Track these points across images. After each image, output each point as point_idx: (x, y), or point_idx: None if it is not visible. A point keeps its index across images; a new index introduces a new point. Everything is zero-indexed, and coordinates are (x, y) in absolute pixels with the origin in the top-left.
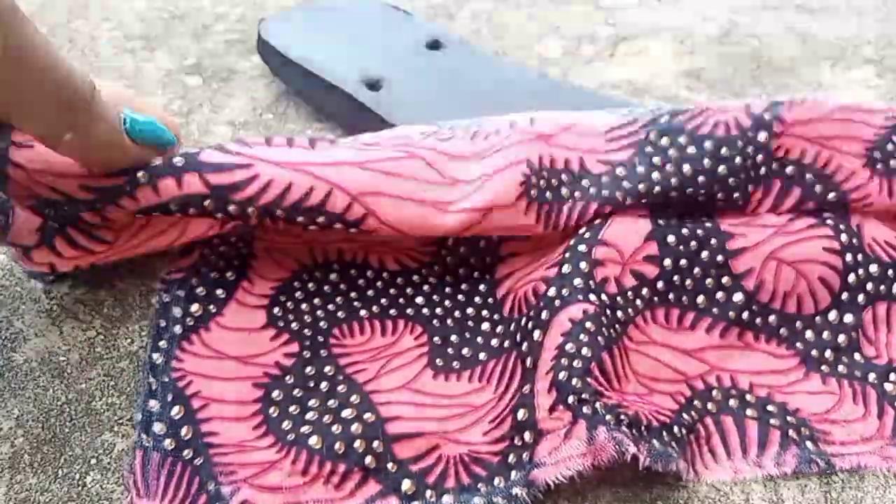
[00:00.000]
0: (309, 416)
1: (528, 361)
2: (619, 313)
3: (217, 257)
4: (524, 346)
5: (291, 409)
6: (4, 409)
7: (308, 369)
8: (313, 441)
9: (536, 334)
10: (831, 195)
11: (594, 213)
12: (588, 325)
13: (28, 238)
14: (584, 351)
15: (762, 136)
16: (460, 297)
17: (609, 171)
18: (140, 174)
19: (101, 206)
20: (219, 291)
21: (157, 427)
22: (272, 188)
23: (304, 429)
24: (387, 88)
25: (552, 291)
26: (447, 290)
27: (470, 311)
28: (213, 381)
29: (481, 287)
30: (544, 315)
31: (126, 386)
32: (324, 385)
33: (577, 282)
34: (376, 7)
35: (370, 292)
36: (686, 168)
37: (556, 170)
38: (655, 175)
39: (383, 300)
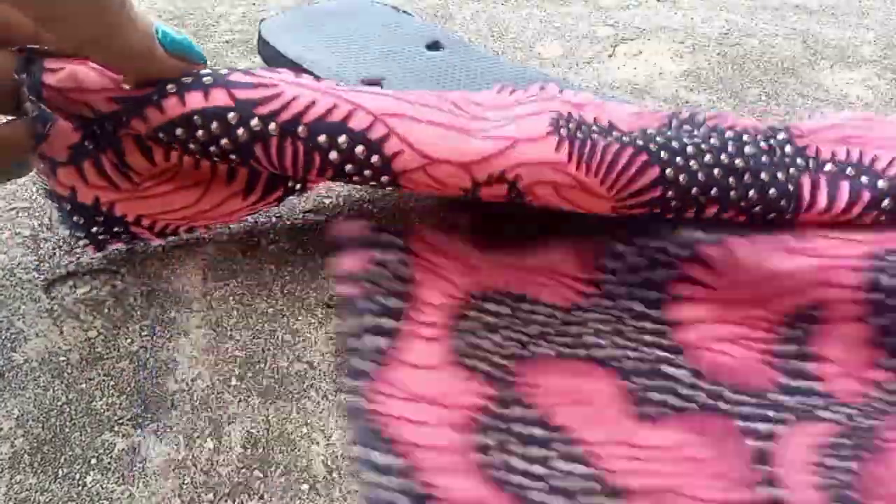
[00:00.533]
0: (525, 466)
1: (758, 445)
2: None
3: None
4: (753, 428)
5: (507, 458)
6: (4, 409)
7: (507, 413)
8: (538, 496)
9: (764, 427)
10: (880, 183)
11: (631, 160)
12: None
13: (59, 153)
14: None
15: (781, 135)
16: (638, 335)
17: (640, 130)
18: (169, 85)
19: (127, 118)
20: (387, 322)
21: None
22: (295, 103)
23: (527, 481)
24: (387, 89)
25: (775, 396)
26: (621, 327)
27: (655, 353)
28: (415, 426)
29: (649, 325)
30: (773, 415)
31: (126, 386)
32: (528, 431)
33: (806, 400)
34: (376, 8)
35: (548, 329)
36: (714, 140)
37: (585, 121)
38: (690, 148)
39: (565, 339)
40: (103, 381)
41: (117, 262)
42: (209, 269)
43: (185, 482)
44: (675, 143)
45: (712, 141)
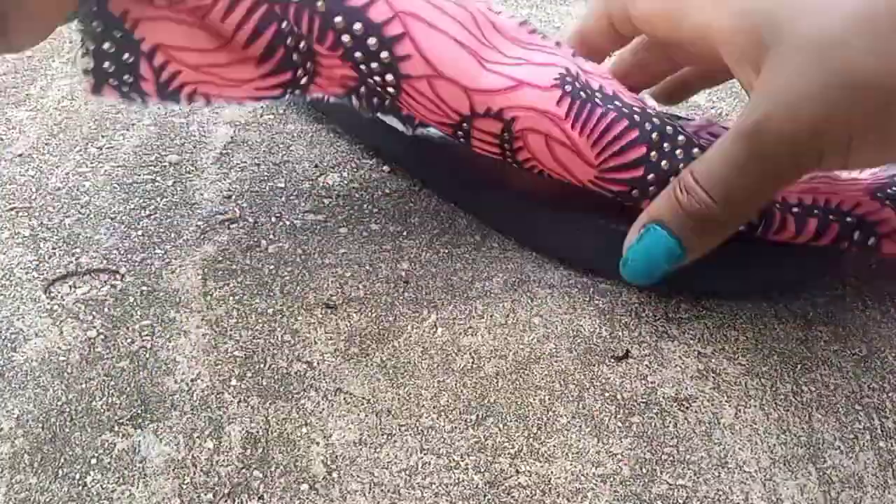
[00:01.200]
0: None
1: None
2: None
3: None
4: None
5: None
6: (4, 409)
7: None
8: None
9: None
10: (848, 218)
11: (623, 132)
12: None
13: None
14: None
15: None
16: None
17: (641, 108)
18: None
19: None
20: None
21: None
22: None
23: None
24: None
25: None
26: None
27: None
28: None
29: None
30: None
31: (126, 386)
32: None
33: None
34: None
35: None
36: (703, 141)
37: (590, 86)
38: (681, 138)
39: None
40: (103, 381)
41: (117, 262)
42: (209, 269)
43: (185, 482)
44: (668, 129)
45: (701, 141)
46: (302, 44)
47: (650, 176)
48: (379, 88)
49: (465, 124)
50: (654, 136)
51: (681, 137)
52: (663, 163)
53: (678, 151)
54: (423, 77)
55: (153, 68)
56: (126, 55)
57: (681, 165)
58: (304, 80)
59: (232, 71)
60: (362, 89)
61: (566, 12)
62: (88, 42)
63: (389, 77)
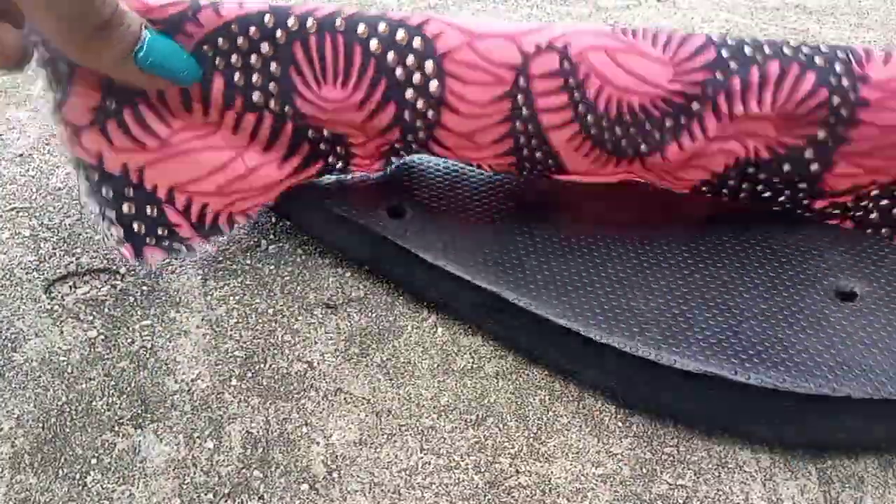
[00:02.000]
0: None
1: None
2: None
3: None
4: None
5: None
6: (5, 409)
7: None
8: None
9: None
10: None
11: (674, 31)
12: None
13: (81, 118)
14: None
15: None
16: None
17: None
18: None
19: (173, 34)
20: None
21: None
22: (331, 5)
23: None
24: None
25: None
26: None
27: None
28: None
29: None
30: None
31: (126, 386)
32: None
33: None
34: None
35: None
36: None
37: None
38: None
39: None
40: (103, 381)
41: (117, 262)
42: (209, 269)
43: (185, 482)
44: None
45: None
46: (326, 131)
47: (723, 51)
48: (420, 112)
49: (521, 79)
50: (714, 36)
51: (731, 42)
52: (729, 40)
53: (746, 48)
54: (461, 45)
55: (181, 212)
56: (148, 209)
57: (757, 56)
58: (339, 164)
59: (256, 179)
60: (398, 145)
61: (566, 12)
62: (108, 211)
63: (429, 64)
